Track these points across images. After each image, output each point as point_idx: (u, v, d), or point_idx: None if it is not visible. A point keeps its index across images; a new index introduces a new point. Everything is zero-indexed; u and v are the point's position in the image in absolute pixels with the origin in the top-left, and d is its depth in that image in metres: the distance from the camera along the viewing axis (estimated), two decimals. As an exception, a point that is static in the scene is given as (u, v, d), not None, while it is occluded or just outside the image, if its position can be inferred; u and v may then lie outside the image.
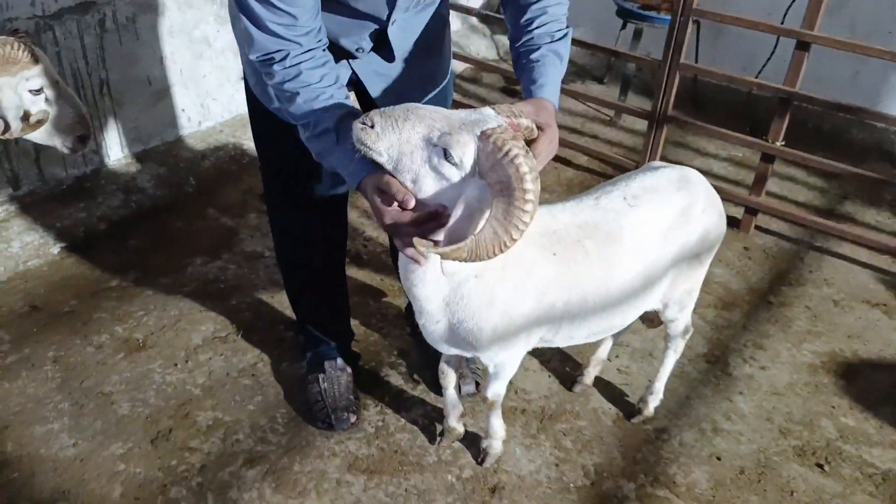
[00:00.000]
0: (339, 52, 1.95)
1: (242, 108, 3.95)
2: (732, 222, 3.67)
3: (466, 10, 4.40)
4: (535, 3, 1.89)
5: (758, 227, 3.66)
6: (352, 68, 2.05)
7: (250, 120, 2.29)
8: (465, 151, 1.53)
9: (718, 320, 3.04)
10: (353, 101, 1.88)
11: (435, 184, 1.58)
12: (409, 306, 2.75)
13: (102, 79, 3.27)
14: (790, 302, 3.18)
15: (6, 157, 3.08)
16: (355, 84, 2.12)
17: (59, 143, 2.48)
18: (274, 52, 1.73)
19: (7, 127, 2.35)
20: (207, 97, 3.76)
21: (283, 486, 2.24)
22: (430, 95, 2.19)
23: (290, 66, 1.73)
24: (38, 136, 2.44)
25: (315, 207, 2.30)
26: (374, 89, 2.09)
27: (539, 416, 2.54)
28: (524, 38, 1.89)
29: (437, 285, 1.82)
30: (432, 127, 1.56)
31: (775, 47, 4.17)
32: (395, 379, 2.65)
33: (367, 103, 2.15)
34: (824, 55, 4.43)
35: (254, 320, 2.87)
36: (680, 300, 2.27)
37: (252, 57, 1.75)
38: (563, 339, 2.10)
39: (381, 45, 2.00)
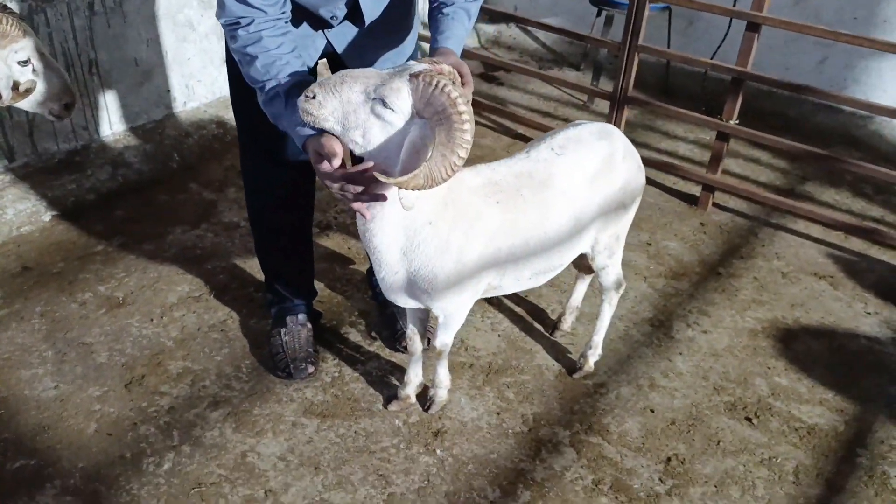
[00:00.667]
0: (316, 22, 2.16)
1: (225, 89, 4.10)
2: (690, 199, 3.85)
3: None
4: None
5: (716, 205, 3.82)
6: (326, 38, 2.24)
7: (229, 85, 2.45)
8: (400, 96, 1.73)
9: (667, 289, 3.21)
10: (327, 72, 2.09)
11: (381, 133, 1.78)
12: (371, 270, 2.93)
13: (91, 59, 3.47)
14: (739, 273, 3.34)
15: (1, 131, 3.29)
16: (331, 56, 2.34)
17: (46, 111, 2.68)
18: (240, 18, 1.94)
19: (-1, 96, 2.55)
20: (192, 79, 3.95)
21: (243, 426, 2.43)
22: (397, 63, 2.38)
23: (252, 32, 1.94)
24: (28, 104, 2.64)
25: (285, 166, 2.48)
26: (347, 56, 2.29)
27: (486, 370, 2.72)
28: None
29: (394, 235, 1.99)
30: (367, 83, 1.76)
31: (728, 30, 4.33)
32: (354, 336, 2.84)
33: None
34: (792, 44, 4.61)
35: (227, 282, 3.07)
36: (608, 245, 2.45)
37: (221, 21, 1.98)
38: (510, 282, 2.28)
39: (354, 14, 2.18)
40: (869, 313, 3.13)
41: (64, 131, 3.49)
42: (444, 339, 2.37)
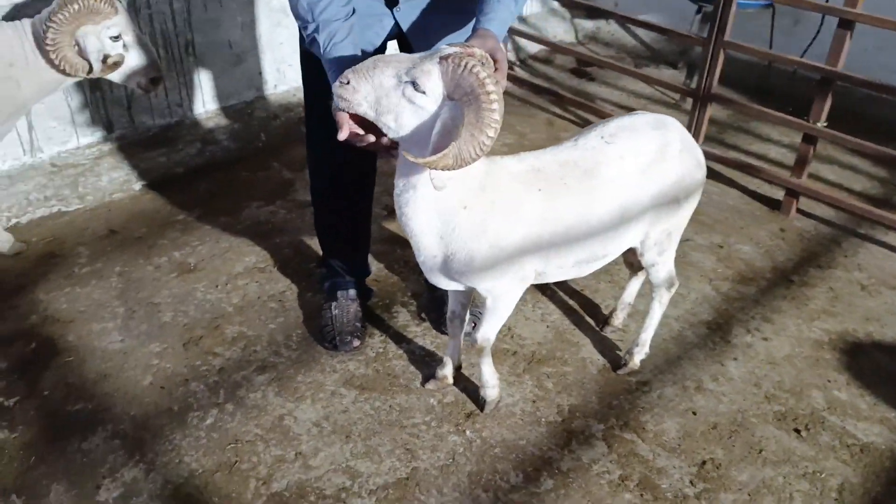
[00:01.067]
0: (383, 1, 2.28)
1: (316, 75, 4.34)
2: (774, 204, 3.68)
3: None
4: None
5: (800, 211, 3.62)
6: (394, 17, 2.33)
7: (301, 66, 2.55)
8: (431, 78, 1.76)
9: (732, 293, 3.08)
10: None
11: (413, 116, 1.81)
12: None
13: (188, 40, 3.71)
14: (813, 283, 3.17)
15: (102, 104, 3.57)
16: (399, 37, 2.43)
17: (134, 84, 2.90)
18: None
19: (91, 68, 2.78)
20: (283, 63, 4.14)
21: (285, 391, 2.55)
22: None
23: None
24: (117, 76, 2.87)
25: (347, 150, 2.56)
26: (412, 35, 2.37)
27: (528, 359, 2.71)
28: None
29: (429, 220, 2.02)
30: (399, 67, 1.80)
31: (820, 27, 4.08)
32: (404, 316, 2.90)
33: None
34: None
35: (291, 256, 3.21)
36: (658, 242, 2.39)
37: None
38: (554, 269, 2.26)
39: None
40: (954, 334, 2.90)
41: (160, 107, 3.75)
42: (488, 330, 2.33)
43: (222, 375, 2.60)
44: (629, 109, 4.66)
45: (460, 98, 1.74)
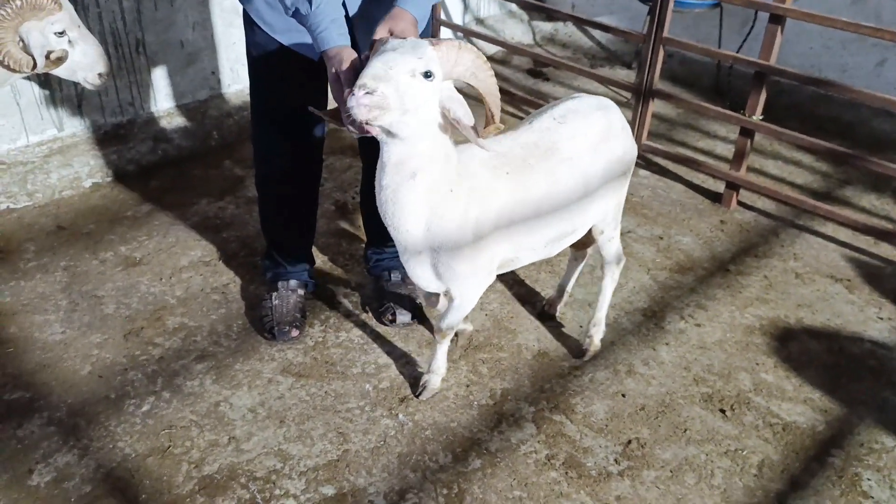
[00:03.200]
0: None
1: (271, 74, 4.38)
2: (715, 197, 3.77)
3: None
4: None
5: (741, 203, 3.71)
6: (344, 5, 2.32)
7: (247, 53, 2.55)
8: (435, 65, 1.84)
9: (669, 282, 3.16)
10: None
11: (425, 106, 1.87)
12: (367, 245, 3.03)
13: (139, 39, 3.74)
14: (749, 272, 3.25)
15: (52, 102, 3.60)
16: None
17: (81, 78, 2.93)
18: None
19: (35, 64, 2.81)
20: (237, 62, 4.18)
21: (222, 378, 2.58)
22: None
23: None
24: (63, 72, 2.89)
25: (293, 138, 2.61)
26: (358, 17, 2.35)
27: (465, 346, 2.77)
28: None
29: (420, 208, 2.02)
30: (407, 62, 1.80)
31: (754, 23, 4.19)
32: (346, 306, 2.95)
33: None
34: (850, 45, 4.42)
35: (237, 250, 3.25)
36: (614, 217, 2.53)
37: None
38: (525, 252, 2.32)
39: None
40: (881, 318, 2.98)
41: (111, 106, 3.78)
42: (452, 320, 2.37)
43: (161, 364, 2.63)
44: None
45: (461, 74, 1.88)
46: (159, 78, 3.92)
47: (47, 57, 2.79)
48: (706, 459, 2.35)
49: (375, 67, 1.77)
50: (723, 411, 2.53)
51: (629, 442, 2.40)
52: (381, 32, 2.01)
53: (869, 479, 2.31)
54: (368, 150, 2.77)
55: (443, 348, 2.48)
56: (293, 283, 2.86)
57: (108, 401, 2.48)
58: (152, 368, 2.62)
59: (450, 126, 1.95)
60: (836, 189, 3.94)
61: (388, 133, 1.89)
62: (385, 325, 2.83)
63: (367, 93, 1.73)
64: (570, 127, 2.30)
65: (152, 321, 2.83)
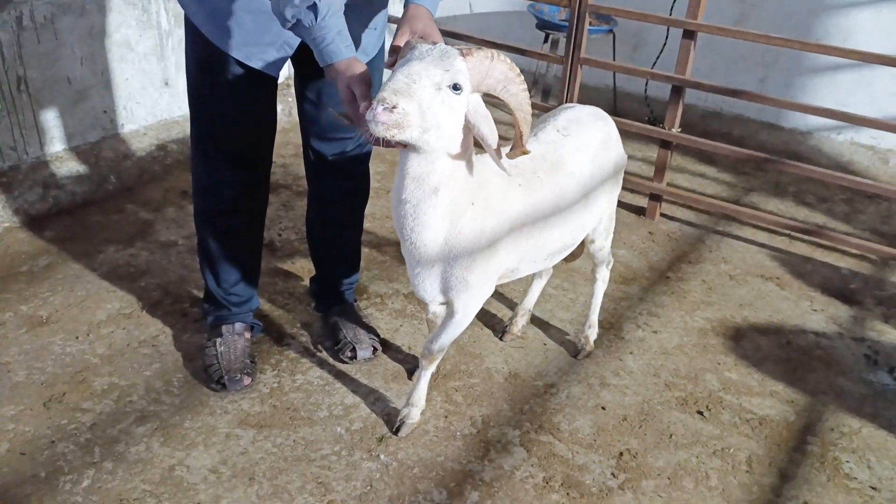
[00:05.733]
0: None
1: (167, 112, 4.08)
2: (639, 211, 3.85)
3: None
4: None
5: (663, 215, 3.82)
6: None
7: (187, 72, 2.30)
8: (464, 76, 1.70)
9: (617, 293, 3.16)
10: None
11: (450, 121, 1.72)
12: (314, 279, 2.83)
13: (20, 75, 3.36)
14: (688, 277, 3.32)
15: (-80, 149, 3.14)
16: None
17: None
18: None
19: None
20: (131, 100, 3.86)
21: (172, 439, 2.28)
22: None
23: None
24: None
25: (238, 165, 2.37)
26: None
27: (433, 375, 2.60)
28: None
29: (442, 223, 1.89)
30: (432, 75, 1.66)
31: (666, 39, 4.41)
32: (296, 347, 2.72)
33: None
34: (734, 65, 4.72)
35: (161, 298, 2.93)
36: (606, 225, 2.53)
37: None
38: (527, 265, 2.24)
39: None
40: (815, 310, 3.12)
41: (-11, 151, 3.36)
42: (446, 339, 2.21)
43: (95, 432, 2.29)
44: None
45: (491, 87, 1.75)
46: (45, 119, 3.54)
47: None
48: (698, 462, 2.32)
49: (398, 80, 1.63)
50: (700, 413, 2.53)
51: (621, 454, 2.33)
52: (403, 36, 1.89)
53: (848, 462, 2.37)
54: (314, 178, 2.60)
55: (426, 377, 2.32)
56: (238, 325, 2.61)
57: (38, 480, 2.11)
58: (85, 437, 2.27)
59: (473, 139, 1.83)
60: (742, 196, 4.15)
61: (408, 146, 1.76)
62: (344, 362, 2.63)
63: (387, 108, 1.59)
64: (573, 140, 2.28)
65: (75, 384, 2.47)
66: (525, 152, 1.82)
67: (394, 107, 1.60)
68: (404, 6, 2.04)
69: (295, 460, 2.23)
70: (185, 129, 4.09)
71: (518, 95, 1.77)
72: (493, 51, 1.73)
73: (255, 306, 2.71)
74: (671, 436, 2.42)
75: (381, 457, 2.26)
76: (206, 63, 2.19)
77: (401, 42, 1.89)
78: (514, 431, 2.40)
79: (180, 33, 3.97)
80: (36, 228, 3.33)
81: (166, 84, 4.02)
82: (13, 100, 3.38)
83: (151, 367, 2.57)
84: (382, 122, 1.61)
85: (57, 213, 3.46)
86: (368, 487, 2.16)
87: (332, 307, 2.76)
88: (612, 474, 2.26)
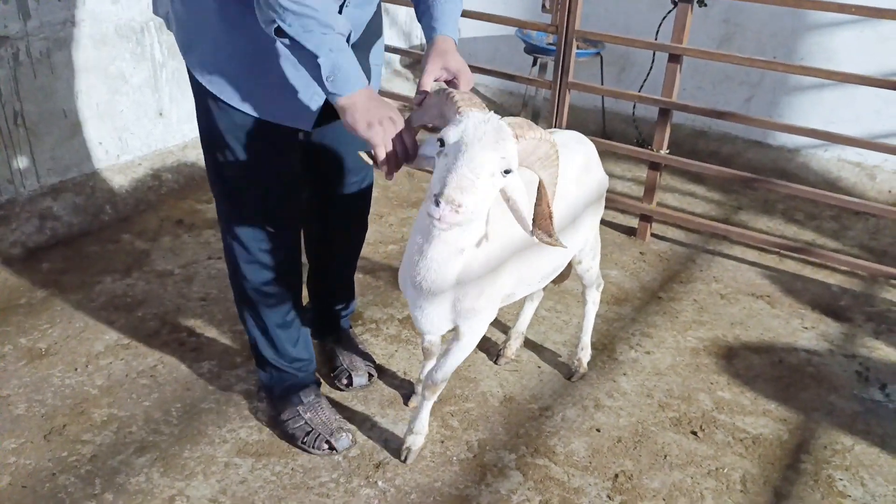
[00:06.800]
0: None
1: (161, 143, 4.13)
2: (629, 231, 3.90)
3: (394, 50, 4.59)
4: None
5: (654, 235, 3.87)
6: None
7: (207, 143, 2.14)
8: (515, 161, 1.68)
9: (609, 314, 3.20)
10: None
11: (492, 196, 1.72)
12: (310, 308, 2.85)
13: (17, 110, 3.41)
14: (679, 297, 3.36)
15: (-82, 184, 3.18)
16: None
17: None
18: None
19: None
20: (125, 131, 3.90)
21: (171, 469, 2.30)
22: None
23: None
24: None
25: (288, 216, 2.24)
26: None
27: (429, 400, 2.64)
28: None
29: (453, 266, 1.91)
30: (488, 162, 1.63)
31: (652, 64, 4.48)
32: (292, 374, 2.74)
33: None
34: (720, 85, 4.80)
35: (158, 328, 2.96)
36: (593, 246, 2.58)
37: None
38: (523, 288, 2.28)
39: None
40: (806, 328, 3.17)
41: (-13, 185, 3.39)
42: (449, 368, 2.22)
43: (95, 463, 2.31)
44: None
45: (531, 163, 1.74)
46: (41, 152, 3.58)
47: None
48: (692, 483, 2.35)
49: (462, 176, 1.59)
50: (694, 433, 2.56)
51: (616, 476, 2.36)
52: (434, 70, 1.88)
53: (841, 479, 2.39)
54: (314, 218, 2.59)
55: (428, 406, 2.35)
56: (313, 386, 2.50)
57: (40, 513, 2.13)
58: (86, 469, 2.29)
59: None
60: (731, 215, 4.20)
61: None
62: (340, 389, 2.65)
63: (454, 209, 1.58)
64: (561, 164, 2.30)
65: (74, 416, 2.49)
66: (553, 244, 1.82)
67: (459, 206, 1.58)
68: (428, 37, 1.96)
69: (294, 488, 2.25)
70: (180, 158, 4.14)
71: (553, 175, 1.78)
72: (542, 131, 1.73)
73: (314, 367, 2.57)
74: (666, 456, 2.45)
75: (379, 483, 2.29)
76: (230, 131, 2.04)
77: (432, 76, 1.88)
78: (510, 455, 2.42)
79: (174, 64, 4.02)
80: (34, 260, 3.36)
81: (160, 115, 4.07)
82: (10, 133, 3.42)
83: (150, 398, 2.60)
84: (449, 222, 1.60)
85: (54, 244, 3.49)
86: (367, 514, 2.18)
87: (329, 335, 2.79)
88: (608, 496, 2.28)
